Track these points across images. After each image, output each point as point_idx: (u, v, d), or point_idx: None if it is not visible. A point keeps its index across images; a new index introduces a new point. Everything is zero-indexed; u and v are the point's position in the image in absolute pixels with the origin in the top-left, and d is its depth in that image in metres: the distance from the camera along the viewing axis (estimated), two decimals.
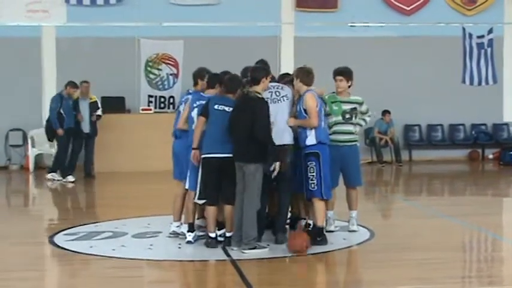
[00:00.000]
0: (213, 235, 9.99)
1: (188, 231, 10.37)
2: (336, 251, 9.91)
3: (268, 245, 10.00)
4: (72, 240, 10.65)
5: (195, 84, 10.85)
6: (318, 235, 10.04)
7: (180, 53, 20.58)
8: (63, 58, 20.28)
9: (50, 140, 18.26)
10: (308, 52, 20.26)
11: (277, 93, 10.28)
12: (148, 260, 9.57)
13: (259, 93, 9.76)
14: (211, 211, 9.95)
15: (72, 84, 17.63)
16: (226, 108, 9.80)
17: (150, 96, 20.38)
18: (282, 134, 10.01)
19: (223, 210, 10.02)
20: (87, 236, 10.87)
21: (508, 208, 14.79)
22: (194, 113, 10.27)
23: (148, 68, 20.55)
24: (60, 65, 20.31)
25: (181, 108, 10.75)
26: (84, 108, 17.77)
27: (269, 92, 10.18)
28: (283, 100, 10.25)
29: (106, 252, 9.81)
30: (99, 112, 18.01)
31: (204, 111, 9.92)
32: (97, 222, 12.09)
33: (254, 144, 9.62)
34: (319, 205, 10.09)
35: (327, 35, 20.94)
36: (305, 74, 10.39)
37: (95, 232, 11.12)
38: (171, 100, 20.29)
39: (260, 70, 10.04)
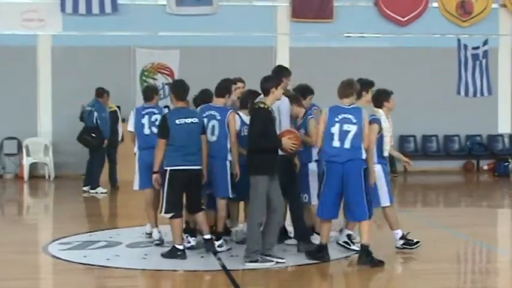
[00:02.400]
0: (180, 247, 9.94)
1: (191, 237, 10.54)
2: (332, 262, 9.88)
3: (283, 258, 9.68)
4: (66, 249, 10.61)
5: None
6: (366, 254, 9.55)
7: (176, 63, 20.60)
8: (58, 67, 20.27)
9: (95, 150, 17.10)
10: (303, 62, 20.32)
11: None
12: (142, 269, 9.54)
13: (264, 104, 9.58)
14: (177, 223, 9.90)
15: (107, 92, 17.32)
16: (188, 121, 9.87)
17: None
18: None
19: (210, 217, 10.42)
20: (81, 246, 10.84)
21: (503, 219, 14.79)
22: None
23: (144, 78, 20.56)
24: (55, 74, 20.30)
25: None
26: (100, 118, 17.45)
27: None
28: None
29: (100, 262, 9.78)
30: (119, 122, 17.68)
31: (162, 132, 9.91)
32: (92, 231, 12.06)
33: (255, 156, 9.54)
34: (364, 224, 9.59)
35: (323, 46, 20.97)
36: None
37: (89, 242, 11.09)
38: (166, 109, 20.20)
39: (269, 80, 9.72)
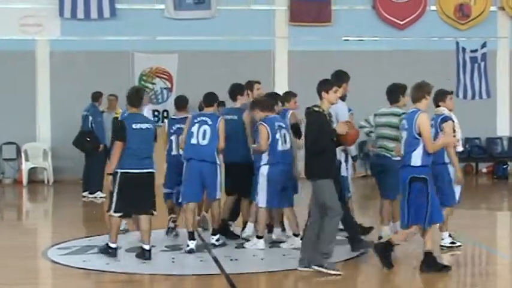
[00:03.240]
0: (113, 245, 10.22)
1: (190, 240, 10.61)
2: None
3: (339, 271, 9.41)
4: (66, 254, 10.61)
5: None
6: (429, 261, 9.43)
7: (174, 67, 20.62)
8: (57, 72, 20.27)
9: (90, 154, 17.09)
10: (302, 66, 20.35)
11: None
12: (141, 274, 9.53)
13: (319, 107, 9.48)
14: (116, 221, 10.21)
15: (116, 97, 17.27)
16: (143, 126, 10.20)
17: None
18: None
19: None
20: (80, 250, 10.83)
21: (502, 222, 14.80)
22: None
23: (142, 82, 20.57)
24: (53, 79, 20.30)
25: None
26: (107, 123, 17.36)
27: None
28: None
29: (99, 267, 9.78)
30: None
31: (121, 135, 10.16)
32: (91, 236, 12.05)
33: (315, 161, 9.37)
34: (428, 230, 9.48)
35: (321, 49, 20.96)
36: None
37: (89, 246, 11.07)
38: (165, 114, 20.28)
39: (321, 84, 9.67)
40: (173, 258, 10.30)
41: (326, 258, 9.32)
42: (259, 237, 10.80)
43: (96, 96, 17.17)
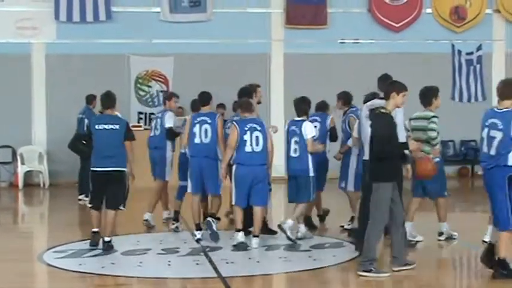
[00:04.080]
0: (94, 230, 11.11)
1: (197, 230, 11.52)
2: (325, 268, 9.89)
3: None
4: (62, 257, 10.60)
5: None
6: (503, 268, 9.23)
7: (170, 70, 20.62)
8: (52, 75, 20.25)
9: (86, 157, 17.14)
10: (298, 69, 20.35)
11: None
12: (137, 277, 9.52)
13: (385, 109, 9.41)
14: (95, 215, 11.08)
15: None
16: (107, 126, 10.91)
17: (140, 113, 20.39)
18: None
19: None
20: (76, 254, 10.82)
21: None
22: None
23: (138, 85, 20.57)
24: (49, 82, 20.28)
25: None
26: None
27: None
28: None
29: (95, 270, 9.77)
30: None
31: (88, 133, 11.39)
32: (87, 239, 12.03)
33: (379, 163, 9.28)
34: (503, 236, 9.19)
35: (317, 52, 20.98)
36: None
37: (84, 250, 11.05)
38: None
39: (395, 85, 9.62)
40: (169, 261, 10.28)
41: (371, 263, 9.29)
42: (238, 230, 11.03)
43: (90, 99, 17.15)
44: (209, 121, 11.46)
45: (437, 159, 11.02)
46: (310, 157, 11.25)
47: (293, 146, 11.34)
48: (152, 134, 13.42)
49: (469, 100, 21.82)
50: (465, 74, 21.68)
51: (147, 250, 10.94)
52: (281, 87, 20.75)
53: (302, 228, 11.63)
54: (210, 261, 10.15)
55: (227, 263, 10.09)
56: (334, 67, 20.71)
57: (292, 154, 11.36)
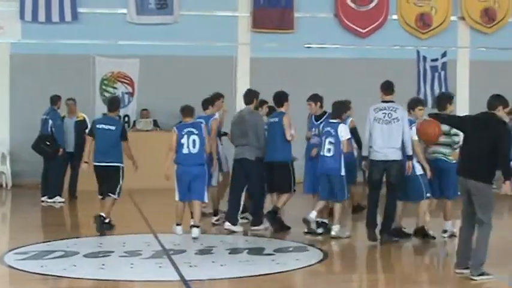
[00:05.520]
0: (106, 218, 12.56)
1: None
2: (289, 272, 9.89)
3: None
4: (23, 259, 10.49)
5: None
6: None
7: (136, 72, 20.51)
8: (17, 75, 20.07)
9: (50, 159, 16.89)
10: (264, 73, 20.36)
11: (390, 115, 11.52)
12: (99, 280, 9.45)
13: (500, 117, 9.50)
14: (102, 203, 12.68)
15: (74, 100, 17.45)
16: (106, 127, 12.64)
17: (104, 114, 20.22)
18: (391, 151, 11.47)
19: None
20: (38, 255, 10.72)
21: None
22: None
23: (104, 87, 20.45)
24: (13, 82, 20.10)
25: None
26: (70, 127, 17.17)
27: (382, 113, 11.53)
28: (395, 122, 11.46)
29: (57, 272, 9.67)
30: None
31: (90, 132, 12.95)
32: (49, 241, 11.94)
33: (487, 164, 9.31)
34: None
35: (283, 56, 21.01)
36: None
37: (46, 251, 10.97)
38: (126, 119, 20.17)
39: (495, 98, 9.64)
40: (132, 264, 10.23)
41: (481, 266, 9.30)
42: (178, 224, 12.26)
43: (55, 100, 17.02)
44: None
45: (455, 162, 11.48)
46: (342, 157, 12.02)
47: (327, 146, 12.10)
48: None
49: (433, 106, 21.90)
50: (430, 80, 21.83)
51: (109, 252, 10.87)
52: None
53: (336, 227, 12.21)
54: (173, 264, 10.10)
55: (190, 266, 10.05)
56: (300, 71, 20.74)
57: (326, 153, 12.08)
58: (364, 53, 21.57)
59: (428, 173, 11.65)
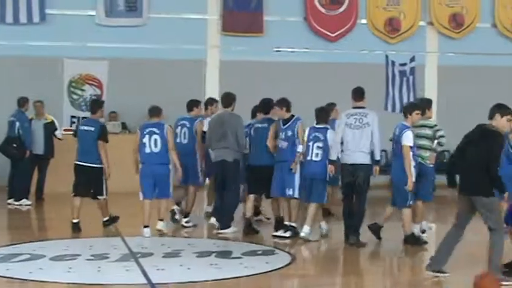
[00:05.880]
0: (74, 221, 12.86)
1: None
2: (257, 276, 9.88)
3: None
4: None
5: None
6: None
7: (105, 74, 20.38)
8: None
9: (17, 161, 16.79)
10: (233, 76, 20.33)
11: (361, 120, 11.96)
12: (66, 283, 9.40)
13: (494, 127, 9.51)
14: (76, 204, 12.89)
15: (41, 102, 17.29)
16: (86, 128, 13.11)
17: (73, 117, 20.11)
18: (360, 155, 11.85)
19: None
20: (3, 259, 10.63)
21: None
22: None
23: (72, 89, 20.30)
24: None
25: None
26: (38, 129, 17.03)
27: (354, 118, 11.93)
28: (365, 127, 11.90)
29: (23, 275, 9.61)
30: (57, 133, 17.32)
31: (74, 132, 13.67)
32: (15, 244, 11.84)
33: (484, 177, 9.33)
34: None
35: (252, 60, 20.99)
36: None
37: (12, 254, 10.88)
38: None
39: (494, 106, 9.70)
40: (99, 267, 10.18)
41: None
42: (145, 226, 12.47)
43: (22, 102, 16.89)
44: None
45: (431, 166, 12.18)
46: (327, 162, 12.22)
47: (315, 151, 12.34)
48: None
49: (401, 111, 21.99)
50: (398, 85, 21.91)
51: (76, 256, 10.81)
52: (216, 94, 20.65)
53: (323, 224, 12.82)
54: (141, 267, 10.06)
55: (158, 269, 10.02)
56: (270, 75, 20.75)
57: (314, 158, 12.32)
58: (333, 57, 21.61)
59: (410, 184, 11.65)
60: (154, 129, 12.57)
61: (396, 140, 11.88)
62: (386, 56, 21.98)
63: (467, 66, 22.03)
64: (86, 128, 13.13)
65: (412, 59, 22.03)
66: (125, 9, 20.57)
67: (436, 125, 12.30)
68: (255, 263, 10.54)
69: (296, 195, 12.49)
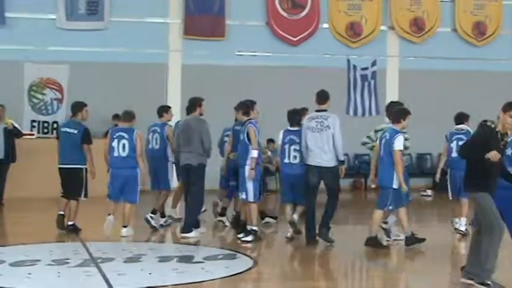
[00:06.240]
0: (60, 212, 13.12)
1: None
2: (218, 280, 9.86)
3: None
4: None
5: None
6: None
7: (65, 78, 20.27)
8: None
9: None
10: (195, 80, 20.31)
11: (322, 123, 12.16)
12: None
13: (492, 122, 9.33)
14: (62, 202, 13.19)
15: (2, 106, 17.05)
16: (68, 130, 13.14)
17: (33, 121, 19.97)
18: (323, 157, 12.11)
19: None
20: None
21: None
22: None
23: (32, 93, 20.16)
24: None
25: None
26: None
27: (315, 122, 12.17)
28: (326, 130, 12.11)
29: None
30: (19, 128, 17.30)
31: (56, 134, 13.84)
32: None
33: (470, 173, 9.27)
34: None
35: (214, 63, 21.01)
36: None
37: None
38: (55, 125, 19.89)
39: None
40: (59, 273, 10.08)
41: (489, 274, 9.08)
42: (109, 214, 12.83)
43: None
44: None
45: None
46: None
47: (293, 153, 12.59)
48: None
49: (363, 114, 22.17)
50: (360, 89, 22.05)
51: (36, 261, 10.69)
52: (178, 98, 20.65)
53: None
54: (101, 272, 9.98)
55: (119, 274, 9.94)
56: (232, 79, 20.76)
57: (292, 161, 12.56)
58: (295, 61, 21.69)
59: (404, 187, 11.74)
60: (124, 134, 12.76)
61: (385, 144, 11.83)
62: (348, 60, 22.11)
63: (428, 70, 22.24)
64: (68, 130, 13.18)
65: (374, 63, 22.20)
66: (86, 13, 20.47)
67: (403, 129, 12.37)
68: (216, 268, 10.51)
69: (250, 199, 12.51)
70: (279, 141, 12.92)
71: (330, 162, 12.16)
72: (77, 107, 13.44)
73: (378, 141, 12.31)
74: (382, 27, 22.45)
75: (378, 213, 12.07)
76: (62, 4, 20.33)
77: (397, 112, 12.13)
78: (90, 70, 20.14)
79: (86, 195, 13.24)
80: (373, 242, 11.97)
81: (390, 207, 12.01)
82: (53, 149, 13.63)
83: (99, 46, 20.32)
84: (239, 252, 11.56)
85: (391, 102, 12.70)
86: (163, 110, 14.50)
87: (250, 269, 10.48)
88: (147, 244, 12.51)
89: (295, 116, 12.90)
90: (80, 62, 20.09)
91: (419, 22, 22.62)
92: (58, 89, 20.32)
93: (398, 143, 11.66)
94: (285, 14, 21.81)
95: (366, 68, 22.17)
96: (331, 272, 11.01)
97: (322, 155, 12.12)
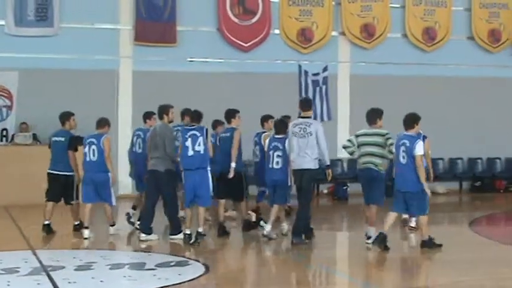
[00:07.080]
0: (46, 222, 13.71)
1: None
2: (170, 287, 9.81)
3: None
4: None
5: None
6: None
7: (15, 85, 20.02)
8: None
9: None
10: (147, 86, 20.22)
11: (305, 130, 12.66)
12: None
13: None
14: (49, 208, 13.80)
15: None
16: (57, 139, 13.91)
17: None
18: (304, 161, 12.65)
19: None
20: None
21: (341, 242, 15.09)
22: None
23: None
24: None
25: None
26: None
27: (298, 128, 12.69)
28: (309, 136, 12.58)
29: None
30: None
31: (49, 143, 14.15)
32: None
33: None
34: None
35: (166, 70, 20.93)
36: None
37: None
38: (4, 132, 19.65)
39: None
40: (8, 282, 9.93)
41: None
42: (85, 227, 13.41)
43: None
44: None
45: (383, 172, 12.73)
46: (289, 169, 13.01)
47: (276, 159, 13.24)
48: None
49: (314, 119, 22.19)
50: (311, 94, 22.08)
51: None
52: (129, 104, 20.58)
53: (285, 225, 13.79)
54: (52, 281, 9.86)
55: (69, 282, 9.84)
56: (183, 85, 20.70)
57: (275, 166, 13.23)
58: (246, 67, 21.70)
59: (428, 191, 12.04)
60: (93, 140, 13.62)
61: (405, 151, 12.02)
62: (299, 66, 22.18)
63: (379, 76, 22.40)
64: (57, 138, 13.96)
65: (325, 69, 22.30)
66: (35, 19, 20.25)
67: (387, 133, 12.69)
68: (169, 274, 10.45)
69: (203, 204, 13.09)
70: (265, 148, 13.70)
71: (309, 164, 12.65)
72: (64, 116, 14.04)
73: (356, 147, 12.83)
74: (333, 33, 22.55)
75: (393, 216, 12.36)
76: (10, 10, 20.08)
77: (409, 118, 12.31)
78: (40, 77, 19.94)
79: (77, 198, 14.00)
80: (428, 244, 12.27)
81: (414, 213, 12.71)
82: (2, 156, 13.60)
83: (49, 52, 20.11)
84: (191, 259, 11.52)
85: (372, 108, 12.93)
86: (147, 116, 15.15)
87: (202, 275, 10.44)
88: (99, 251, 12.40)
89: (282, 125, 13.51)
90: (29, 69, 19.88)
91: (369, 28, 22.78)
92: (7, 96, 20.07)
93: (419, 148, 11.99)
94: (236, 20, 21.80)
95: (317, 74, 22.25)
96: (282, 278, 10.99)
97: (303, 159, 12.66)
